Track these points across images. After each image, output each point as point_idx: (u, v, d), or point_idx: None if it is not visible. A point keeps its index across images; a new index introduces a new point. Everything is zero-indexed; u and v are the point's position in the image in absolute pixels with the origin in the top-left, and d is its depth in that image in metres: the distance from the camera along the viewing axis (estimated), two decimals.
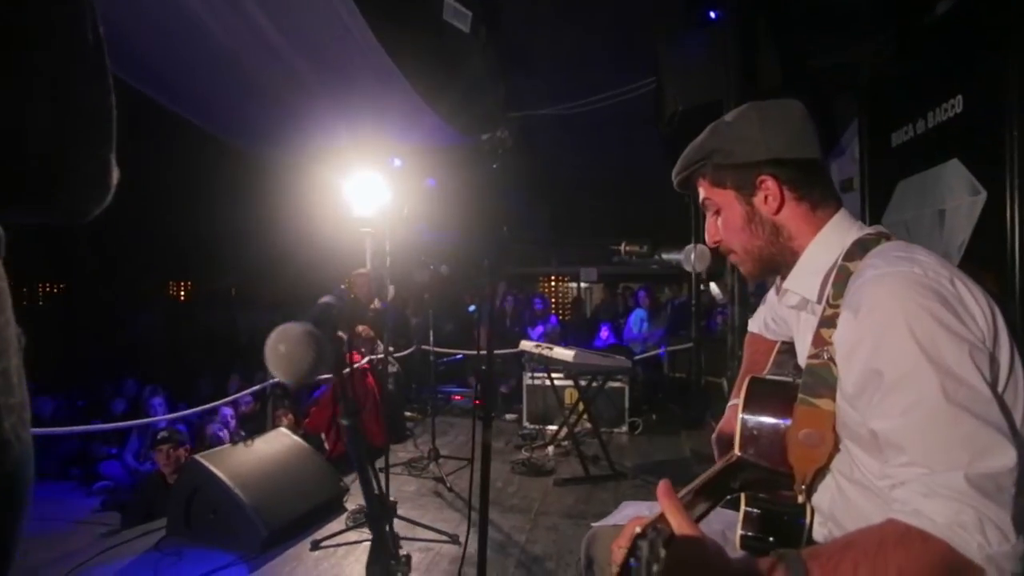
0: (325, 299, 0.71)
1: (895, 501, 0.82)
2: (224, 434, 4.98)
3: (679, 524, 0.72)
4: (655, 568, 0.58)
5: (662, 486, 0.77)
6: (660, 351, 6.43)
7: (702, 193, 1.14)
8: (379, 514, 0.86)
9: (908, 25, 3.56)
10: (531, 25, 5.51)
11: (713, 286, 8.22)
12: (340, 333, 0.70)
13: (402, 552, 0.90)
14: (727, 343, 3.96)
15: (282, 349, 0.60)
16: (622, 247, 1.23)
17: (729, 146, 1.06)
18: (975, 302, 0.86)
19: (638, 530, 0.62)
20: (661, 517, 0.73)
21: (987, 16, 2.73)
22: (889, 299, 0.86)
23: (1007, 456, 0.77)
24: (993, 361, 0.84)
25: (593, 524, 1.29)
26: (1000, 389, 0.83)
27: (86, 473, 5.77)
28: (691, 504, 0.91)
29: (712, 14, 4.15)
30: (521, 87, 6.08)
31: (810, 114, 1.06)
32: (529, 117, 6.27)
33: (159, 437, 4.14)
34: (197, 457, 3.08)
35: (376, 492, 0.87)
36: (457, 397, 6.20)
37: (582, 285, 11.44)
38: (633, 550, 0.60)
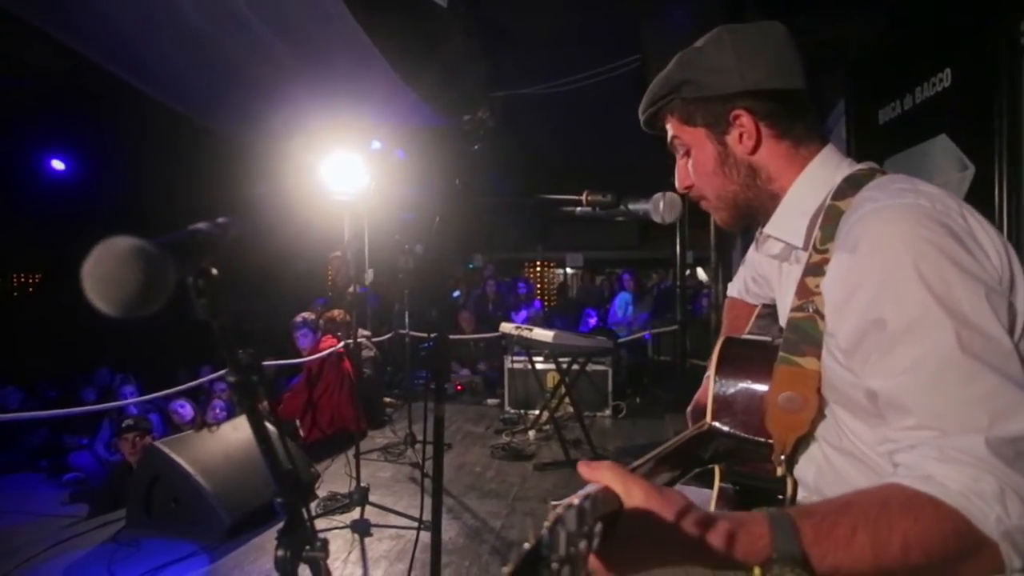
0: (198, 225, 0.59)
1: (900, 466, 0.70)
2: (186, 411, 4.82)
3: (628, 491, 0.61)
4: (581, 546, 0.46)
5: (582, 465, 0.66)
6: (645, 335, 6.34)
7: (670, 132, 1.00)
8: (289, 491, 0.74)
9: None
10: (513, 3, 5.35)
11: (700, 271, 8.17)
12: (213, 270, 0.57)
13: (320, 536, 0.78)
14: (711, 324, 3.89)
15: (99, 270, 0.47)
16: (584, 196, 1.11)
17: (699, 77, 0.92)
18: (989, 239, 0.74)
19: (576, 501, 0.50)
20: (605, 488, 0.61)
21: None
22: (893, 235, 0.74)
23: None
24: (1010, 307, 0.72)
25: (553, 502, 1.17)
26: (1016, 339, 0.71)
27: (55, 464, 5.59)
28: (651, 474, 0.78)
29: None
30: (503, 66, 5.93)
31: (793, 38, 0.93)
32: (512, 97, 6.12)
33: (124, 425, 4.00)
34: (157, 444, 2.95)
35: (288, 467, 0.75)
36: None
37: (568, 271, 11.35)
38: (555, 523, 0.47)
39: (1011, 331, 0.71)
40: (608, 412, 5.01)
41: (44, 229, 9.74)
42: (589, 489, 0.60)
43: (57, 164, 8.72)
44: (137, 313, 0.47)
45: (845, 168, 0.90)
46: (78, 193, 8.77)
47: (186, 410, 5.00)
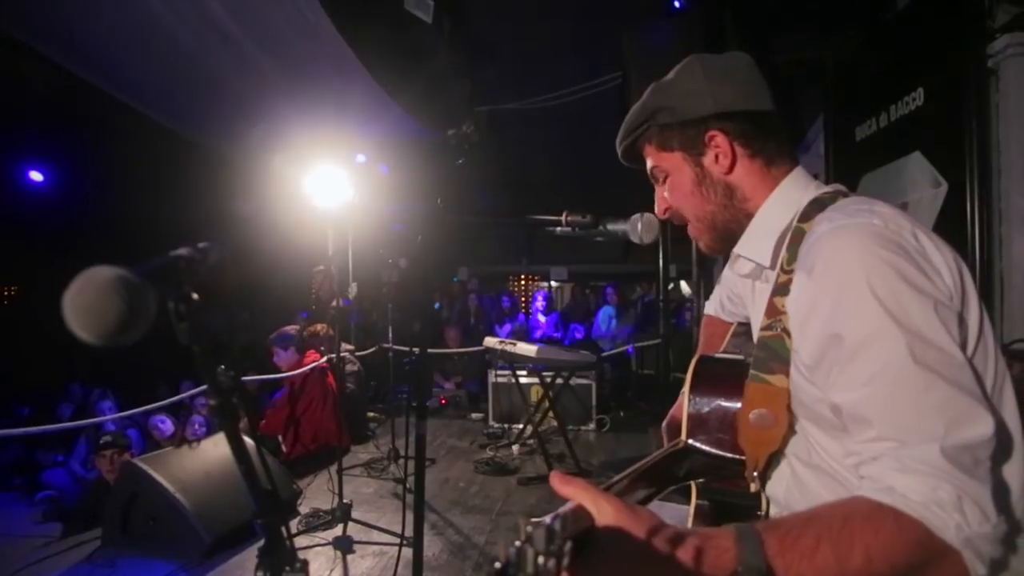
0: (178, 250, 0.60)
1: (864, 478, 0.73)
2: (166, 426, 4.75)
3: (599, 509, 0.62)
4: (550, 565, 0.47)
5: (555, 476, 0.66)
6: (629, 348, 6.37)
7: (649, 162, 1.03)
8: (269, 512, 0.74)
9: (871, 19, 3.56)
10: (497, 18, 5.41)
11: (683, 284, 8.23)
12: (195, 295, 0.58)
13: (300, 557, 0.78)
14: (694, 337, 3.93)
15: (80, 300, 0.48)
16: (563, 217, 1.13)
17: (673, 103, 0.96)
18: (940, 257, 0.78)
19: (546, 520, 0.51)
20: (577, 507, 0.62)
21: (947, 9, 2.72)
22: (846, 254, 0.77)
23: (984, 425, 0.68)
24: (961, 321, 0.76)
25: (533, 520, 1.18)
26: (970, 353, 0.75)
27: (29, 482, 5.45)
28: (626, 491, 0.80)
29: (677, 3, 4.10)
30: (488, 81, 5.98)
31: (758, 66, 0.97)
32: (496, 111, 6.17)
33: (102, 442, 3.93)
34: (135, 460, 2.90)
35: (267, 487, 0.75)
36: None
37: (553, 284, 11.37)
38: (524, 542, 0.48)
39: (964, 345, 0.75)
40: (592, 426, 5.01)
41: (21, 242, 9.57)
42: (562, 508, 0.61)
43: (35, 175, 8.58)
44: (118, 342, 0.48)
45: (812, 190, 0.94)
46: (57, 205, 8.63)
47: (167, 425, 4.92)
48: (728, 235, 1.00)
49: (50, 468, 5.59)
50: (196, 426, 4.64)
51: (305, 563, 0.77)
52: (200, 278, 0.60)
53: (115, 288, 0.48)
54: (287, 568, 0.76)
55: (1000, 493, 0.69)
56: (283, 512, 0.77)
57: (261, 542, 0.75)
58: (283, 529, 0.76)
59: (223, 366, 0.67)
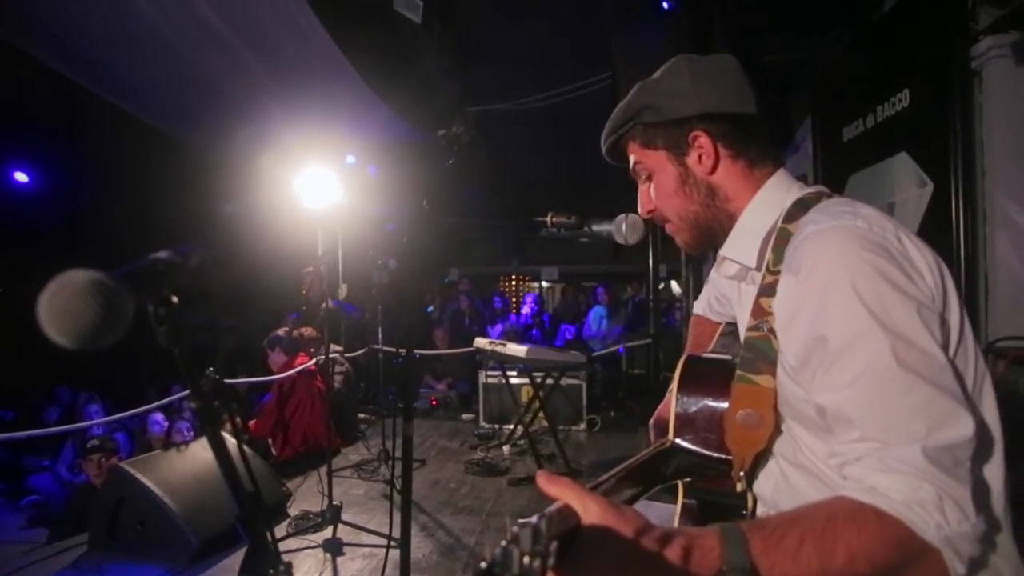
0: (158, 254, 0.59)
1: (848, 479, 0.73)
2: (166, 425, 4.72)
3: (586, 508, 0.62)
4: (535, 564, 0.47)
5: (541, 476, 0.67)
6: (619, 348, 6.38)
7: (632, 159, 1.04)
8: (253, 515, 0.74)
9: (858, 21, 3.59)
10: (487, 19, 5.41)
11: (673, 284, 8.26)
12: (173, 297, 0.57)
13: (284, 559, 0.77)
14: (684, 337, 3.94)
15: (55, 303, 0.47)
16: (548, 218, 1.13)
17: (658, 102, 0.96)
18: (923, 259, 0.79)
19: (533, 520, 0.51)
20: (564, 507, 0.62)
21: (931, 11, 2.75)
22: (832, 256, 0.78)
23: (965, 426, 0.69)
24: (943, 323, 0.77)
25: (520, 520, 1.18)
26: (951, 354, 0.76)
27: (14, 488, 5.38)
28: (613, 490, 0.80)
29: (665, 4, 4.12)
30: (477, 82, 5.98)
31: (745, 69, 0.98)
32: (486, 112, 6.17)
33: (89, 446, 3.88)
34: (122, 464, 2.87)
35: (250, 491, 0.74)
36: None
37: (544, 284, 11.38)
38: (510, 542, 0.48)
39: (946, 346, 0.75)
40: (583, 426, 5.02)
41: (6, 243, 9.44)
42: (549, 508, 0.61)
43: (20, 176, 8.49)
44: (93, 345, 0.48)
45: (796, 191, 0.94)
46: (42, 206, 8.53)
47: (165, 425, 4.90)
48: (709, 234, 1.01)
49: (36, 473, 5.53)
50: (184, 431, 4.61)
51: (289, 565, 0.76)
52: (182, 281, 0.59)
53: (90, 291, 0.47)
54: (271, 571, 0.75)
55: (980, 492, 0.70)
56: (267, 514, 0.77)
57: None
58: (267, 532, 0.76)
59: (210, 368, 0.67)
